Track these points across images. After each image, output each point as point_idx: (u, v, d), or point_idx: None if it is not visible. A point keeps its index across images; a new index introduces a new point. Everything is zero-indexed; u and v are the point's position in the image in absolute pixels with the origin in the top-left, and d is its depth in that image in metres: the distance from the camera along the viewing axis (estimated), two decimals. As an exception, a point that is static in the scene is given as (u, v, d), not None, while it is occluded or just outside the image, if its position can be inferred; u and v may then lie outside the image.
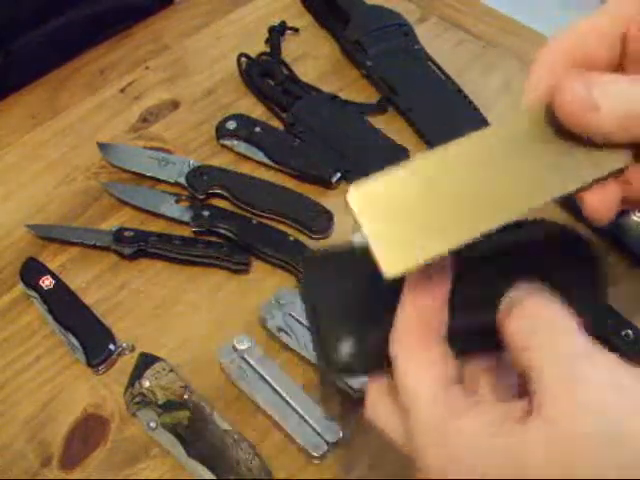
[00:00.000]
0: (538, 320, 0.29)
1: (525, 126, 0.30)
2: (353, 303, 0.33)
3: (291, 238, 0.60)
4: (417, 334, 0.30)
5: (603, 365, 0.27)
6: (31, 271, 0.59)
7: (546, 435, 0.26)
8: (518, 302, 0.29)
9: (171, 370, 0.52)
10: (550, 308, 0.29)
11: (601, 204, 0.31)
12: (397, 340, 0.30)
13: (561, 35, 0.32)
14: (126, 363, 0.54)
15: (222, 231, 0.61)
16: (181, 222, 0.62)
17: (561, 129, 0.30)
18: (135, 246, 0.60)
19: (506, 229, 0.29)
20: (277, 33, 0.76)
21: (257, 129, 0.67)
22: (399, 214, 0.28)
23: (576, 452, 0.25)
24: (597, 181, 0.30)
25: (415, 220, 0.28)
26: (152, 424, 0.50)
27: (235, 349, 0.53)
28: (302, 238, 0.61)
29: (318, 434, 0.50)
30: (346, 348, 0.33)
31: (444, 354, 0.30)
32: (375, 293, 0.32)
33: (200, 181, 0.64)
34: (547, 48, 0.32)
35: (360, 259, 0.30)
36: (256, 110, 0.71)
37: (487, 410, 0.28)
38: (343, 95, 0.71)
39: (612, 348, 0.56)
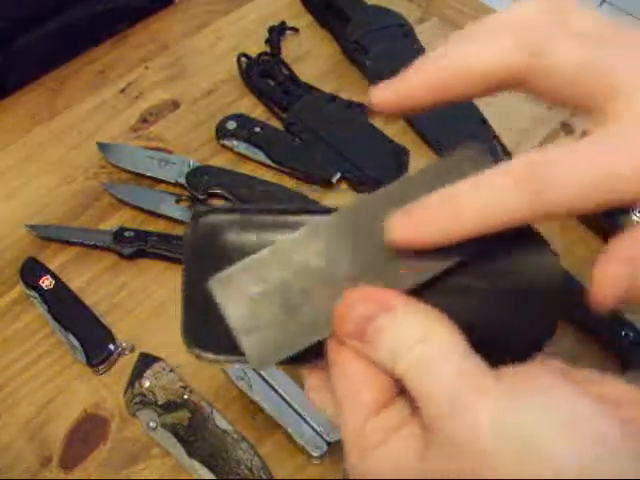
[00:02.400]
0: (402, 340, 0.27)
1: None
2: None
3: (291, 238, 0.60)
4: (343, 349, 0.29)
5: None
6: (31, 271, 0.59)
7: (434, 460, 0.26)
8: (371, 321, 0.28)
9: (171, 370, 0.52)
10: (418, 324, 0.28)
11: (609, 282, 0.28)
12: (332, 349, 0.29)
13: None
14: (126, 363, 0.54)
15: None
16: (181, 222, 0.62)
17: None
18: (135, 246, 0.60)
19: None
20: (277, 33, 0.76)
21: (257, 129, 0.67)
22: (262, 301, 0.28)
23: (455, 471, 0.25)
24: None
25: (278, 308, 0.28)
26: (152, 424, 0.50)
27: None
28: (302, 238, 0.61)
29: (318, 434, 0.50)
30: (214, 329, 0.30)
31: (369, 373, 0.29)
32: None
33: (200, 181, 0.64)
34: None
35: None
36: (256, 110, 0.71)
37: (395, 445, 0.28)
38: (343, 95, 0.71)
39: (612, 348, 0.56)
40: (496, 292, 0.30)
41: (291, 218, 0.31)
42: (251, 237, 0.31)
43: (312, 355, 0.29)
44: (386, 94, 0.30)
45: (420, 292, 0.29)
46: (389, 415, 0.29)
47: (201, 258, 0.31)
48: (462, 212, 0.27)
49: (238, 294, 0.28)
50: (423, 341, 0.27)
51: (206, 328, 0.31)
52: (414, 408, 0.28)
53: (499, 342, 0.29)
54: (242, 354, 0.29)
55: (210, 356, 0.31)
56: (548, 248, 0.30)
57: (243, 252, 0.30)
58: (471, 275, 0.30)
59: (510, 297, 0.30)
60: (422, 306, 0.28)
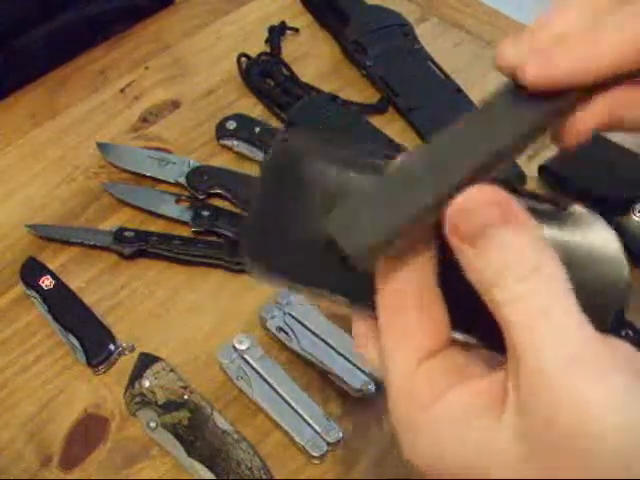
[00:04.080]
0: (525, 271, 0.24)
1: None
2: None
3: (291, 238, 0.60)
4: (397, 291, 0.27)
5: (600, 356, 0.23)
6: (31, 271, 0.59)
7: (520, 433, 0.24)
8: (488, 229, 0.25)
9: (171, 370, 0.52)
10: (544, 255, 0.25)
11: (575, 132, 0.28)
12: (378, 295, 0.28)
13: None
14: (126, 363, 0.54)
15: (222, 231, 0.61)
16: (181, 222, 0.62)
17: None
18: (135, 246, 0.60)
19: None
20: (277, 33, 0.76)
21: (257, 129, 0.67)
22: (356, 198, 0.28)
23: (553, 454, 0.23)
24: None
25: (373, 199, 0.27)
26: (152, 424, 0.50)
27: (235, 349, 0.53)
28: (302, 238, 0.61)
29: (318, 434, 0.50)
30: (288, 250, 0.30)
31: (422, 319, 0.27)
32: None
33: (200, 181, 0.64)
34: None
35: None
36: (256, 110, 0.71)
37: (456, 399, 0.26)
38: (343, 95, 0.71)
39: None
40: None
41: (373, 161, 0.31)
42: (331, 171, 0.31)
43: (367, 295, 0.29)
44: (519, 48, 0.29)
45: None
46: (441, 362, 0.27)
47: (278, 181, 0.31)
48: (602, 45, 0.26)
49: (356, 231, 0.27)
50: (534, 273, 0.24)
51: (272, 251, 0.31)
52: (493, 362, 0.26)
53: None
54: (305, 283, 0.30)
55: (274, 279, 0.30)
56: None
57: (320, 184, 0.30)
58: None
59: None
60: (540, 232, 0.26)
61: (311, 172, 0.31)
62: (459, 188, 0.26)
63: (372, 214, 0.27)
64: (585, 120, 0.28)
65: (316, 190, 0.31)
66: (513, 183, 0.29)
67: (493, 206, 0.25)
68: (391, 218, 0.27)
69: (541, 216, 0.28)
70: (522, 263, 0.24)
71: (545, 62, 0.27)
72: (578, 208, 0.29)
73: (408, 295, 0.27)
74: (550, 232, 0.29)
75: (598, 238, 0.29)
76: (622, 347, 0.25)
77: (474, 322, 0.28)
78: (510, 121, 0.28)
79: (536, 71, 0.26)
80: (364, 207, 0.27)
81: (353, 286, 0.29)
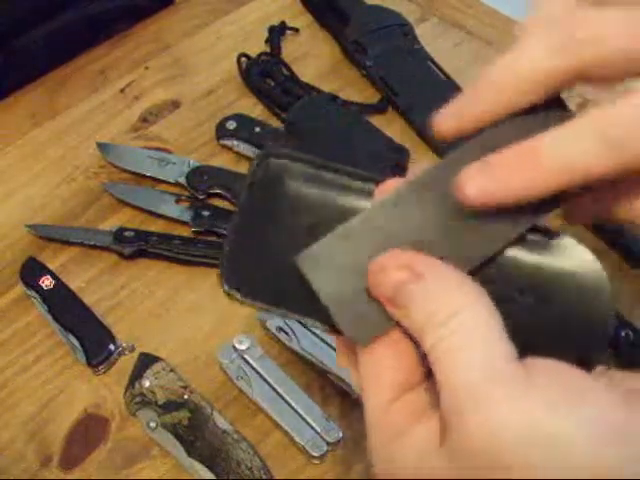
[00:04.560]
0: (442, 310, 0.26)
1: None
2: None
3: (291, 238, 0.60)
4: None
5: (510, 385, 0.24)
6: (31, 271, 0.59)
7: (453, 460, 0.25)
8: (402, 288, 0.27)
9: (171, 370, 0.52)
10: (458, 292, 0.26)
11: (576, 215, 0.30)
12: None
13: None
14: (126, 363, 0.54)
15: (222, 231, 0.61)
16: (181, 222, 0.62)
17: None
18: (135, 246, 0.60)
19: None
20: (277, 33, 0.76)
21: (257, 129, 0.67)
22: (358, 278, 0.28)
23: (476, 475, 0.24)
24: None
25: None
26: (152, 424, 0.50)
27: (235, 349, 0.53)
28: (302, 238, 0.61)
29: (318, 434, 0.50)
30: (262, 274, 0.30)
31: (395, 355, 0.28)
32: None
33: (200, 181, 0.64)
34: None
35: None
36: (256, 110, 0.71)
37: (415, 436, 0.27)
38: (343, 95, 0.71)
39: (612, 348, 0.56)
40: (542, 308, 0.29)
41: (356, 183, 0.31)
42: (314, 192, 0.31)
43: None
44: (449, 121, 0.29)
45: None
46: (413, 399, 0.27)
47: (260, 199, 0.31)
48: (542, 164, 0.26)
49: (327, 269, 0.28)
50: (454, 315, 0.25)
51: (249, 271, 0.30)
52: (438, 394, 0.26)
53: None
54: (280, 305, 0.30)
55: (248, 301, 0.30)
56: (596, 263, 0.29)
57: (302, 204, 0.30)
58: (515, 287, 0.29)
59: (556, 313, 0.29)
60: (459, 276, 0.27)
61: (293, 195, 0.31)
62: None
63: (343, 259, 0.28)
64: (584, 212, 0.30)
65: (297, 214, 0.30)
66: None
67: (400, 267, 0.27)
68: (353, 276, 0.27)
69: (530, 245, 0.29)
70: (438, 311, 0.26)
71: (487, 181, 0.26)
72: (567, 239, 0.29)
73: (382, 337, 0.28)
74: (536, 260, 0.29)
75: (582, 267, 0.29)
76: (544, 366, 0.25)
77: None
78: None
79: (479, 191, 0.27)
80: (338, 248, 0.28)
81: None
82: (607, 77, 0.27)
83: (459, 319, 0.25)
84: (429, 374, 0.27)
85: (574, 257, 0.29)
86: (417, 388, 0.28)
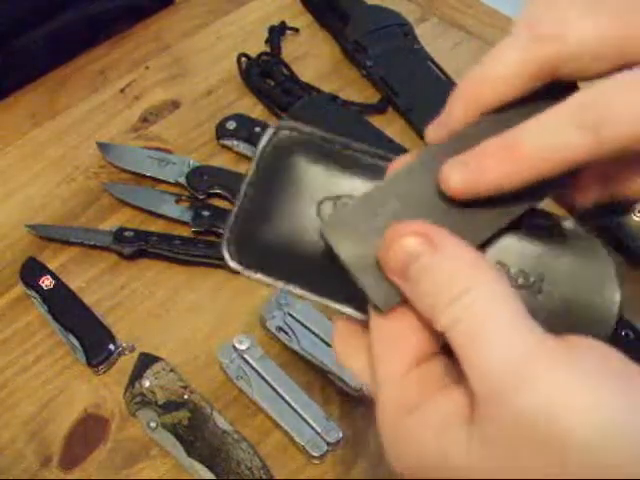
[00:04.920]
0: (467, 283, 0.25)
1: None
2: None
3: (291, 238, 0.60)
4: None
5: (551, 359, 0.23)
6: (31, 271, 0.59)
7: (488, 441, 0.24)
8: (414, 261, 0.26)
9: (171, 370, 0.52)
10: (480, 266, 0.25)
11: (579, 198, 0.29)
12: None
13: (469, 79, 0.29)
14: (126, 363, 0.54)
15: (222, 231, 0.61)
16: (181, 222, 0.62)
17: None
18: (135, 246, 0.60)
19: None
20: (277, 33, 0.76)
21: (257, 129, 0.67)
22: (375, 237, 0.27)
23: (522, 453, 0.23)
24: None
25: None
26: (152, 424, 0.50)
27: (235, 349, 0.53)
28: (302, 238, 0.61)
29: (318, 434, 0.50)
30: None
31: (415, 324, 0.27)
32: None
33: (200, 181, 0.64)
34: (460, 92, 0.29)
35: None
36: (256, 110, 0.71)
37: (436, 408, 0.26)
38: (343, 95, 0.71)
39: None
40: (545, 292, 0.29)
41: (365, 159, 0.31)
42: (323, 166, 0.31)
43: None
44: (438, 131, 0.29)
45: None
46: (431, 369, 0.26)
47: (268, 171, 0.31)
48: (523, 153, 0.26)
49: (350, 236, 0.27)
50: (468, 292, 0.24)
51: (254, 245, 0.30)
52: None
53: None
54: (284, 279, 0.29)
55: (252, 274, 0.30)
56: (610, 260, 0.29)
57: (311, 178, 0.30)
58: (518, 272, 0.29)
59: (560, 297, 0.29)
60: (474, 254, 0.26)
61: (302, 169, 0.31)
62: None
63: (366, 226, 0.27)
64: (581, 197, 0.29)
65: (306, 188, 0.30)
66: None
67: (414, 237, 0.26)
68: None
69: (532, 230, 0.29)
70: (452, 286, 0.25)
71: (470, 173, 0.27)
72: (569, 224, 0.30)
73: (403, 304, 0.27)
74: (539, 245, 0.29)
75: (588, 253, 0.29)
76: (587, 345, 0.24)
77: None
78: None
79: (462, 183, 0.27)
80: (360, 216, 0.28)
81: (344, 289, 0.29)
82: (578, 75, 0.28)
83: (473, 294, 0.24)
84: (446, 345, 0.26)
85: (577, 241, 0.29)
86: (434, 359, 0.27)
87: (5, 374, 0.55)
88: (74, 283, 0.59)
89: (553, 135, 0.26)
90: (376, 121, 0.69)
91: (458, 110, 0.29)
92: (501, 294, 0.25)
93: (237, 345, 0.53)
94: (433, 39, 0.76)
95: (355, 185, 0.30)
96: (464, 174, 0.27)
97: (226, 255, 0.30)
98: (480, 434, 0.24)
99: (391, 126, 0.69)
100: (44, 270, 0.59)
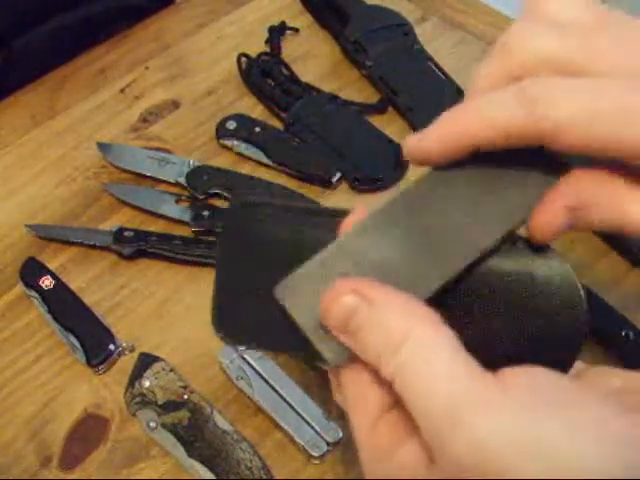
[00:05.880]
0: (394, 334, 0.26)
1: (435, 184, 0.30)
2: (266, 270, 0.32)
3: (291, 238, 0.60)
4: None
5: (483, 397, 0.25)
6: (31, 271, 0.59)
7: None
8: (352, 319, 0.27)
9: (171, 370, 0.52)
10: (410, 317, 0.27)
11: (546, 226, 0.30)
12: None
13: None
14: (126, 363, 0.54)
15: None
16: (181, 222, 0.62)
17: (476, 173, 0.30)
18: (135, 246, 0.60)
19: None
20: (277, 33, 0.76)
21: (257, 129, 0.67)
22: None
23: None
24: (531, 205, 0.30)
25: None
26: (152, 424, 0.50)
27: (235, 349, 0.53)
28: (302, 238, 0.61)
29: (318, 434, 0.50)
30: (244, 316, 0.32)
31: (375, 374, 0.28)
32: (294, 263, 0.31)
33: (200, 181, 0.64)
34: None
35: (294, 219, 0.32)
36: (256, 110, 0.71)
37: (405, 454, 0.27)
38: (343, 95, 0.71)
39: (612, 348, 0.56)
40: (514, 315, 0.30)
41: (322, 220, 0.32)
42: (283, 233, 0.32)
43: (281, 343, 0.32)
44: (421, 144, 0.31)
45: (441, 304, 0.29)
46: (397, 416, 0.28)
47: (234, 247, 0.32)
48: (467, 119, 0.28)
49: (303, 297, 0.29)
50: (405, 340, 0.26)
51: (236, 315, 0.32)
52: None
53: (518, 362, 0.28)
54: (270, 346, 0.32)
55: (238, 344, 0.33)
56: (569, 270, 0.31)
57: (273, 247, 0.32)
58: (488, 295, 0.30)
59: (529, 318, 0.30)
60: (405, 299, 0.27)
61: (264, 239, 0.32)
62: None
63: (318, 286, 0.29)
64: (549, 218, 0.30)
65: (269, 257, 0.32)
66: None
67: (350, 294, 0.27)
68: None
69: (502, 253, 0.30)
70: (390, 337, 0.26)
71: (419, 136, 0.29)
72: (524, 243, 0.31)
73: None
74: (507, 268, 0.30)
75: (550, 269, 0.31)
76: (529, 374, 0.26)
77: None
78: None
79: (410, 143, 0.29)
80: (313, 277, 0.29)
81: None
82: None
83: (410, 344, 0.26)
84: None
85: (545, 262, 0.31)
86: (399, 405, 0.28)
87: (5, 374, 0.55)
88: (74, 283, 0.59)
89: (494, 105, 0.28)
90: (376, 121, 0.69)
91: (435, 136, 0.30)
92: (436, 339, 0.26)
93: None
94: (433, 39, 0.76)
95: (314, 245, 0.31)
96: (417, 138, 0.30)
97: (219, 333, 0.33)
98: (438, 468, 0.25)
99: (391, 126, 0.69)
100: (44, 270, 0.59)
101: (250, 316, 0.32)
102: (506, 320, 0.30)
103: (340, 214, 0.32)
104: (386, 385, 0.27)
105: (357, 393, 0.28)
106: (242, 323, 0.32)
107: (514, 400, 0.24)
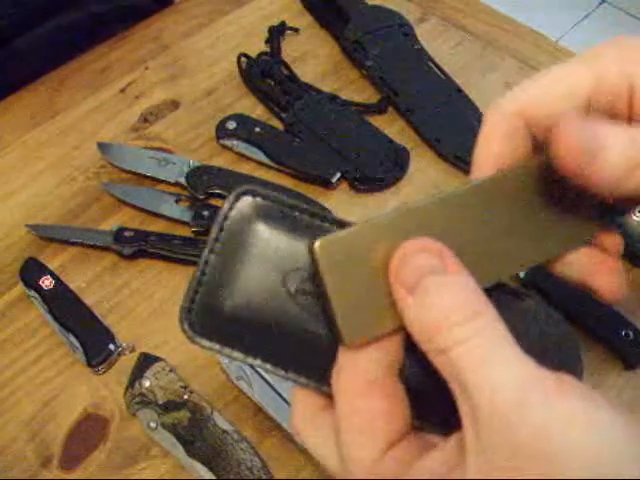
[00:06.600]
0: (463, 314, 0.25)
1: (504, 187, 0.29)
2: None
3: (291, 238, 0.60)
4: (360, 376, 0.27)
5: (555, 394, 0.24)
6: (31, 271, 0.59)
7: (486, 471, 0.24)
8: (426, 277, 0.26)
9: (171, 370, 0.52)
10: (476, 299, 0.26)
11: (611, 285, 0.30)
12: (338, 379, 0.27)
13: (517, 92, 0.30)
14: (126, 363, 0.54)
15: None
16: (181, 222, 0.62)
17: (541, 190, 0.29)
18: (135, 246, 0.60)
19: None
20: (277, 33, 0.76)
21: (257, 129, 0.67)
22: (366, 276, 0.27)
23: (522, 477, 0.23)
24: (575, 247, 0.30)
25: (382, 285, 0.27)
26: (152, 424, 0.50)
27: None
28: (302, 238, 0.61)
29: (318, 434, 0.50)
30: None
31: (387, 406, 0.27)
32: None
33: (200, 181, 0.64)
34: (497, 109, 0.30)
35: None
36: (256, 110, 0.71)
37: (421, 468, 0.26)
38: (343, 95, 0.71)
39: (612, 348, 0.56)
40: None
41: (324, 225, 0.30)
42: (286, 235, 0.30)
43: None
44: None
45: None
46: (407, 445, 0.27)
47: (231, 238, 0.30)
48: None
49: (339, 261, 0.27)
50: (479, 315, 0.25)
51: (210, 313, 0.29)
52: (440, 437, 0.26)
53: None
54: (240, 349, 0.29)
55: (206, 343, 0.29)
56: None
57: (272, 246, 0.29)
58: None
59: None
60: (477, 286, 0.26)
61: (270, 238, 0.30)
62: None
63: (357, 253, 0.27)
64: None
65: (275, 258, 0.29)
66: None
67: (429, 254, 0.26)
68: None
69: (500, 305, 0.29)
70: (462, 308, 0.25)
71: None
72: (532, 302, 0.30)
73: (373, 383, 0.27)
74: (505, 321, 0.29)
75: (554, 330, 0.30)
76: (569, 378, 0.25)
77: (430, 410, 0.28)
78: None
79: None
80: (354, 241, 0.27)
81: (306, 360, 0.29)
82: None
83: (482, 320, 0.25)
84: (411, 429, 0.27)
85: (541, 316, 0.30)
86: (407, 437, 0.27)
87: (5, 374, 0.55)
88: (74, 283, 0.59)
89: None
90: (376, 121, 0.69)
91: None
92: (501, 326, 0.25)
93: (237, 345, 0.53)
94: (433, 39, 0.76)
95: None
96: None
97: (185, 325, 0.29)
98: (478, 466, 0.24)
99: (391, 126, 0.69)
100: (44, 270, 0.59)
101: (234, 316, 0.29)
102: None
103: (343, 223, 0.30)
104: (391, 420, 0.26)
105: (359, 427, 0.27)
106: (217, 323, 0.29)
107: (572, 392, 0.24)
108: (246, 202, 0.30)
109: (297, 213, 0.30)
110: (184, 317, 0.29)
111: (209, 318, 0.29)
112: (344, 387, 0.27)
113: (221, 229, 0.30)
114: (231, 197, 0.30)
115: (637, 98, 0.28)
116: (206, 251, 0.30)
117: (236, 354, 0.29)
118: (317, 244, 0.27)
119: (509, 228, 0.29)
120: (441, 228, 0.28)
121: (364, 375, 0.27)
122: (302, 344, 0.29)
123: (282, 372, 0.29)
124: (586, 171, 0.25)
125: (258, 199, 0.30)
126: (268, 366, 0.29)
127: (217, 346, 0.29)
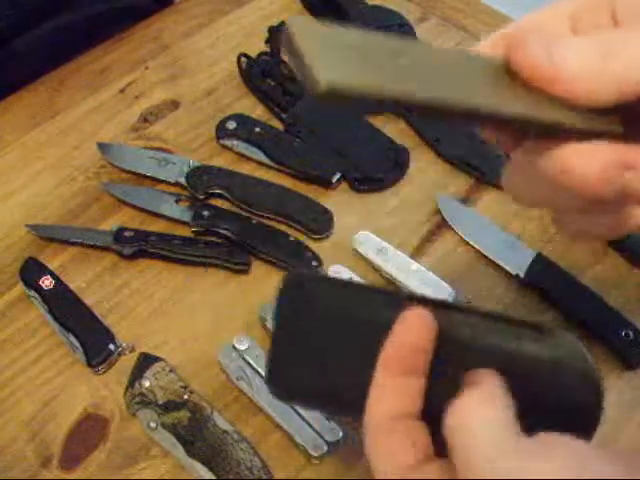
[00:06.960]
0: (461, 421, 0.28)
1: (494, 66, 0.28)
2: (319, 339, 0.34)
3: (291, 238, 0.60)
4: (387, 410, 0.30)
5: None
6: (31, 271, 0.59)
7: None
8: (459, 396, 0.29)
9: (171, 370, 0.52)
10: (480, 410, 0.28)
11: (589, 168, 0.27)
12: (370, 413, 0.31)
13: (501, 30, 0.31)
14: (126, 363, 0.54)
15: (222, 231, 0.61)
16: (181, 222, 0.62)
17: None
18: (135, 246, 0.60)
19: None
20: (277, 33, 0.76)
21: (257, 129, 0.67)
22: (342, 48, 0.27)
23: None
24: (560, 129, 0.27)
25: (358, 57, 0.26)
26: (152, 424, 0.50)
27: (235, 349, 0.53)
28: (302, 238, 0.61)
29: (318, 434, 0.50)
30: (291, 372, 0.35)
31: (413, 433, 0.30)
32: (345, 338, 0.33)
33: (200, 181, 0.64)
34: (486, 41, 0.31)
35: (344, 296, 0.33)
36: (256, 110, 0.71)
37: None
38: (343, 95, 0.71)
39: (612, 348, 0.56)
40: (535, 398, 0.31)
41: (379, 297, 0.33)
42: (342, 310, 0.34)
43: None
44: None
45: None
46: (430, 469, 0.29)
47: (292, 317, 0.35)
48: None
49: (315, 37, 0.27)
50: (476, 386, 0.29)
51: (290, 376, 0.35)
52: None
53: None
54: (326, 404, 0.36)
55: (289, 402, 0.37)
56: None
57: (331, 323, 0.34)
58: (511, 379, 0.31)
59: (550, 402, 0.31)
60: None
61: (323, 314, 0.34)
62: None
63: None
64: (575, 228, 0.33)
65: (328, 331, 0.34)
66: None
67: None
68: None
69: (522, 339, 0.31)
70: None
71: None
72: (558, 332, 0.32)
73: (396, 419, 0.30)
74: (530, 352, 0.31)
75: (572, 357, 0.31)
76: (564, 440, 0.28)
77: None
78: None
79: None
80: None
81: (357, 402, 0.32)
82: None
83: (477, 392, 0.29)
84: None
85: (564, 349, 0.31)
86: (431, 462, 0.30)
87: (5, 374, 0.55)
88: (74, 283, 0.59)
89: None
90: (376, 121, 0.69)
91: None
92: (498, 397, 0.29)
93: (237, 345, 0.53)
94: (433, 39, 0.76)
95: (371, 323, 0.33)
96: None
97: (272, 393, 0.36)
98: None
99: (391, 126, 0.69)
100: (44, 270, 0.59)
101: (303, 379, 0.35)
102: (521, 400, 0.30)
103: (393, 294, 0.34)
104: (415, 444, 0.30)
105: (390, 449, 0.30)
106: (295, 384, 0.35)
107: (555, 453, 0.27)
108: (303, 285, 0.35)
109: (349, 289, 0.34)
110: (269, 386, 0.36)
111: (288, 382, 0.36)
112: (371, 423, 0.31)
113: (281, 311, 0.35)
114: (286, 279, 0.35)
115: (619, 6, 0.29)
116: (274, 329, 0.35)
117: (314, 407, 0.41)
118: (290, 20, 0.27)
119: (481, 86, 0.28)
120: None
121: (390, 414, 0.31)
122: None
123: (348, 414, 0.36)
124: (550, 83, 0.26)
125: (312, 282, 0.35)
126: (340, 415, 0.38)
127: (307, 404, 0.41)
